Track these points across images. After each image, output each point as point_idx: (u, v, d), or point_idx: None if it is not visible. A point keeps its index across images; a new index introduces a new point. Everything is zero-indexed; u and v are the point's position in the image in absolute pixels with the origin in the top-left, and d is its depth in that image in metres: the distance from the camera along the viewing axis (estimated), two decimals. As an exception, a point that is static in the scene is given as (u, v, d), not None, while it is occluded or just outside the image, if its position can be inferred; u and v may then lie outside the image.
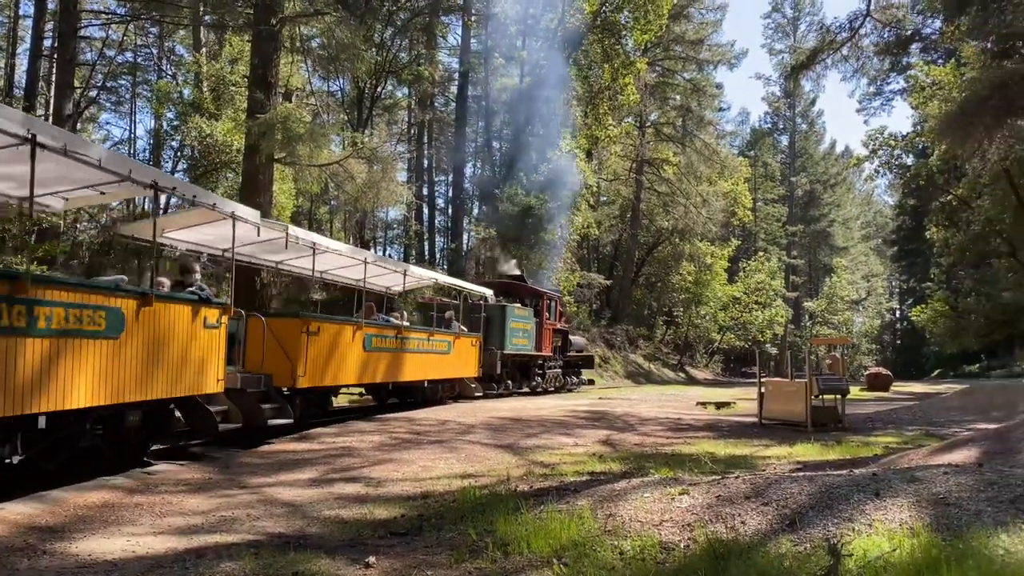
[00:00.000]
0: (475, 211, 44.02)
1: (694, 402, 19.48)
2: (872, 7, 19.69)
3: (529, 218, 28.33)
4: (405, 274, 14.95)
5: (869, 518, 4.39)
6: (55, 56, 24.55)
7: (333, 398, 13.65)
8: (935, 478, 4.99)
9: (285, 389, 10.40)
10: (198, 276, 8.94)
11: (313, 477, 7.43)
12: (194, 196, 8.20)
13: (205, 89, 25.02)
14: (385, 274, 14.59)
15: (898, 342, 75.84)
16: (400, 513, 5.88)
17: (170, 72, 31.20)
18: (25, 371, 5.78)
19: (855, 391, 24.94)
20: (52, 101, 24.91)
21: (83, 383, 6.39)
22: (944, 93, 27.88)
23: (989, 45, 19.03)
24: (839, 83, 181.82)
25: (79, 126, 30.40)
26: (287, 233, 10.34)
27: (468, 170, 44.50)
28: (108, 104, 37.51)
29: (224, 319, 8.72)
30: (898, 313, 78.60)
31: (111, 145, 37.96)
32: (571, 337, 26.52)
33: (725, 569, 3.90)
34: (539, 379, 22.94)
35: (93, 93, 30.98)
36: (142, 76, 34.64)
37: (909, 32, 26.48)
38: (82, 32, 26.86)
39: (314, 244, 11.13)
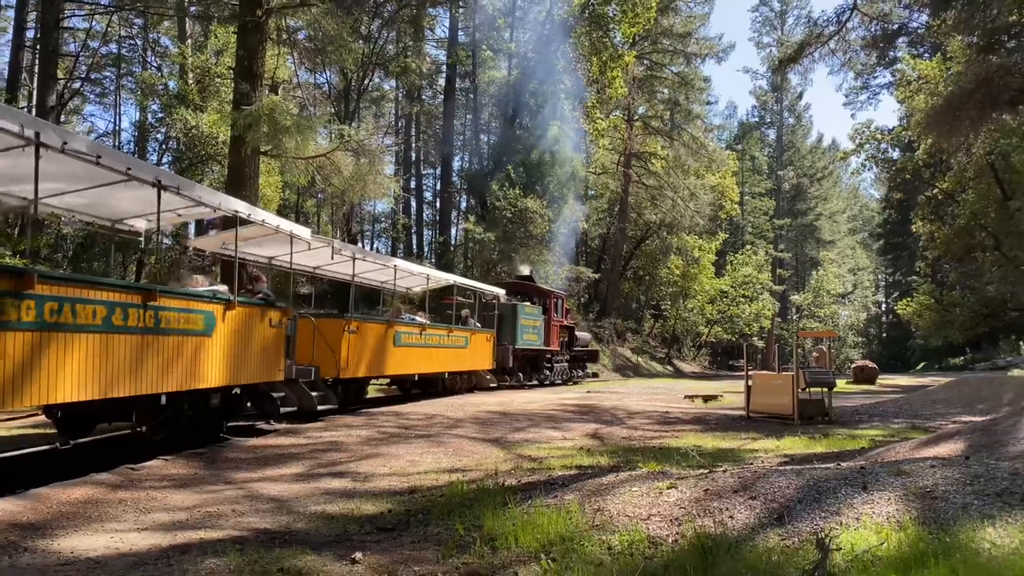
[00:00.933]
0: (463, 204, 43.95)
1: (682, 395, 19.52)
2: (859, 1, 19.74)
3: (520, 215, 28.32)
4: (428, 278, 17.01)
5: (857, 512, 4.39)
6: (38, 47, 24.26)
7: (367, 388, 15.33)
8: (922, 471, 4.99)
9: (329, 379, 12.04)
10: (265, 284, 10.92)
11: (300, 472, 7.38)
12: (251, 215, 9.45)
13: (190, 81, 24.82)
14: (408, 277, 16.38)
15: (884, 335, 76.36)
16: (387, 508, 5.85)
17: (155, 64, 30.92)
18: (154, 360, 7.59)
19: (842, 384, 25.07)
20: (35, 93, 24.62)
21: (193, 370, 8.25)
22: (930, 87, 27.98)
23: (975, 40, 19.09)
24: (826, 77, 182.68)
25: (63, 118, 30.09)
26: (332, 246, 12.39)
27: (456, 163, 44.42)
28: (92, 96, 37.15)
29: (284, 319, 10.43)
30: (884, 306, 79.13)
31: (96, 137, 37.65)
32: (576, 333, 28.04)
33: (713, 564, 3.89)
34: (548, 372, 24.52)
35: (77, 84, 30.63)
36: (127, 67, 34.32)
37: (896, 26, 26.60)
38: (65, 23, 26.55)
39: (353, 254, 13.13)
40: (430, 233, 48.70)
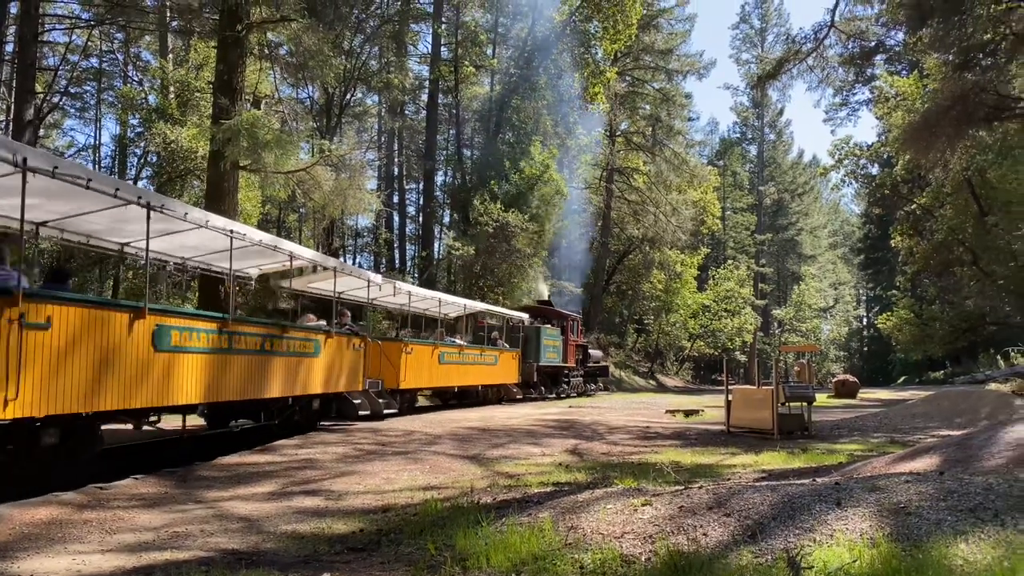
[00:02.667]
0: (446, 219, 43.89)
1: (663, 410, 19.50)
2: (836, 19, 19.96)
3: (501, 229, 28.34)
4: (465, 307, 20.60)
5: (830, 528, 4.36)
6: (16, 61, 24.07)
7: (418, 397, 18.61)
8: (896, 487, 4.97)
9: (390, 389, 15.37)
10: (348, 318, 14.42)
11: (272, 490, 7.27)
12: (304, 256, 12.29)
13: (171, 95, 24.68)
14: (448, 305, 19.84)
15: (865, 349, 76.80)
16: (359, 527, 5.76)
17: (136, 78, 30.75)
18: (291, 373, 11.06)
19: (823, 398, 25.17)
20: (12, 107, 24.39)
21: (306, 380, 11.59)
22: (907, 104, 28.31)
23: (950, 57, 19.31)
24: (805, 93, 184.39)
25: (41, 132, 29.83)
26: (395, 285, 16.17)
27: (439, 178, 44.41)
28: (72, 110, 36.85)
29: (361, 344, 13.78)
30: (865, 320, 79.63)
31: (74, 152, 37.40)
32: (590, 351, 31.26)
33: (685, 583, 3.85)
34: (565, 385, 27.53)
35: (56, 99, 30.39)
36: (107, 82, 34.10)
37: (873, 44, 26.89)
38: (45, 36, 26.38)
39: (409, 291, 17.01)
40: (413, 248, 48.62)
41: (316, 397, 12.29)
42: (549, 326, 25.88)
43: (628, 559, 4.31)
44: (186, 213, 8.64)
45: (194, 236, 9.72)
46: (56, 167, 6.84)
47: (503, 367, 21.76)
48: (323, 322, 12.98)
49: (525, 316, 23.97)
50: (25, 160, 6.44)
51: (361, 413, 13.59)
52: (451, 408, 18.95)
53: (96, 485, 7.09)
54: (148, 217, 8.03)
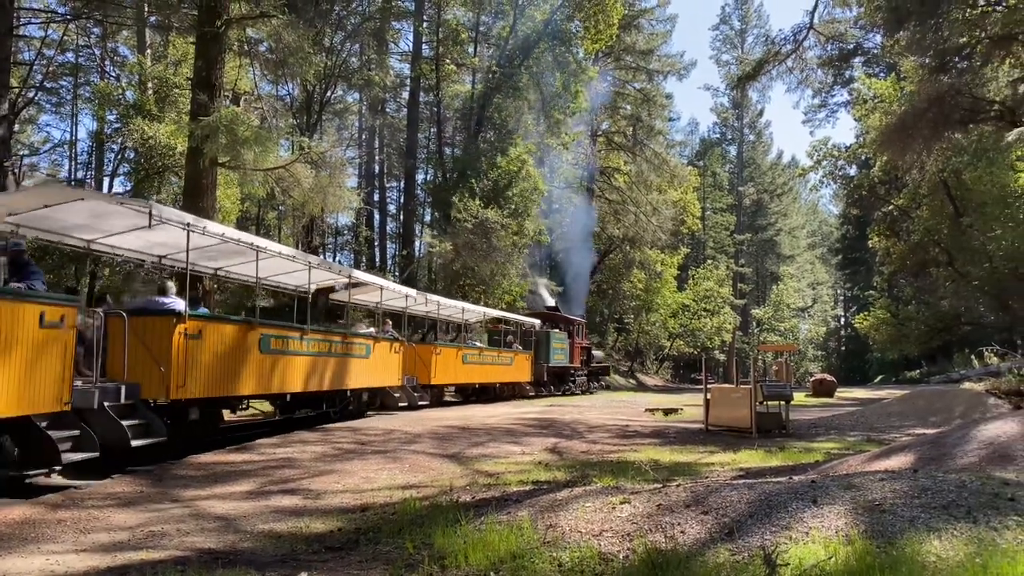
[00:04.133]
0: (427, 217, 43.80)
1: (643, 409, 19.57)
2: (816, 21, 20.12)
3: (482, 226, 28.33)
4: (484, 314, 23.36)
5: (806, 526, 4.40)
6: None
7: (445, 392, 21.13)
8: (871, 485, 5.03)
9: (423, 385, 17.83)
10: (390, 325, 16.99)
11: (250, 489, 7.22)
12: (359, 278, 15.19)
13: (149, 91, 24.42)
14: (470, 312, 22.41)
15: (843, 348, 77.47)
16: (337, 527, 5.73)
17: (113, 74, 30.37)
18: (344, 370, 13.48)
19: (801, 397, 25.36)
20: (-14, 101, 23.98)
21: (359, 377, 14.16)
22: (885, 106, 28.62)
23: (927, 60, 19.53)
24: (785, 94, 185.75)
25: (16, 127, 29.42)
26: (427, 297, 19.29)
27: (420, 176, 44.27)
28: (48, 105, 36.33)
29: (400, 347, 16.38)
30: (843, 320, 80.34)
31: (50, 147, 36.95)
32: (593, 352, 34.35)
33: (662, 580, 3.86)
34: (571, 384, 30.14)
35: (32, 94, 29.95)
36: (84, 77, 33.62)
37: (851, 46, 27.14)
38: (21, 31, 25.99)
39: (439, 301, 20.00)
40: (394, 246, 48.45)
41: (365, 391, 15.24)
42: (557, 330, 28.67)
43: (606, 557, 4.32)
44: (280, 251, 11.75)
45: (274, 262, 12.00)
46: (205, 227, 9.65)
47: (518, 367, 24.48)
48: (372, 329, 15.60)
49: (537, 322, 26.72)
50: (188, 223, 9.24)
51: (400, 404, 16.41)
52: (471, 403, 21.23)
53: (71, 484, 7.01)
54: (257, 256, 11.01)
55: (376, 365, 14.97)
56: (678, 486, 5.67)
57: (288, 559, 4.81)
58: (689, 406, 19.62)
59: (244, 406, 12.07)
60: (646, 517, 4.88)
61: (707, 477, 7.68)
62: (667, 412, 18.27)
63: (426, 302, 19.29)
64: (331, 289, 15.80)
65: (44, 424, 6.76)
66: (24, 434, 6.60)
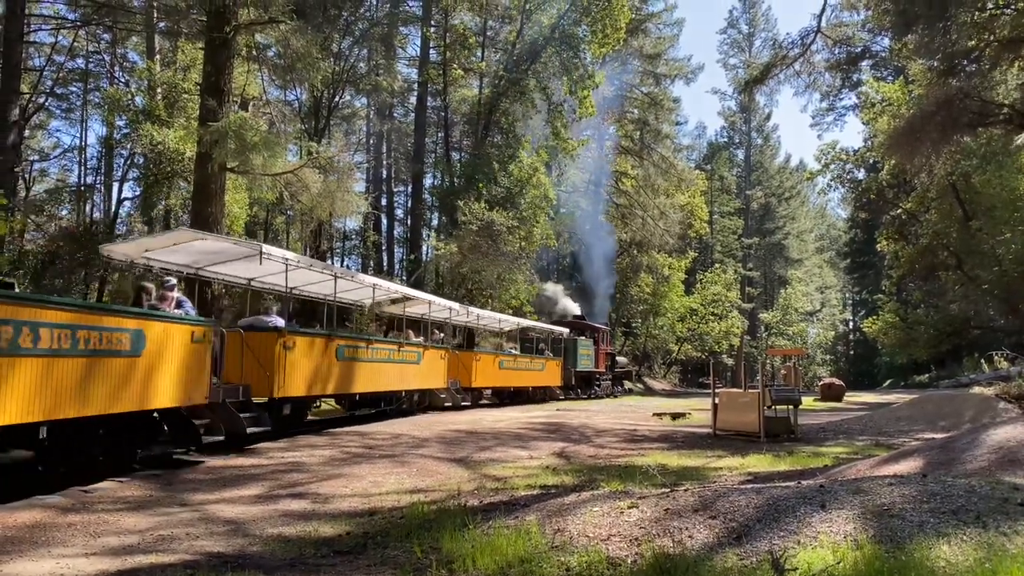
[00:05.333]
0: (434, 222, 43.84)
1: (650, 413, 19.55)
2: (823, 24, 20.10)
3: (488, 229, 28.35)
4: (519, 324, 24.93)
5: (815, 530, 4.39)
6: (1, 61, 23.86)
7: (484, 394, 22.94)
8: (880, 489, 5.02)
9: (464, 388, 20.06)
10: (441, 335, 20.06)
11: (258, 493, 7.24)
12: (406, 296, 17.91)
13: (158, 96, 24.54)
14: (506, 322, 24.53)
15: (851, 352, 77.13)
16: (346, 530, 5.74)
17: (122, 79, 30.54)
18: (401, 373, 15.77)
19: (809, 401, 25.28)
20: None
21: (412, 379, 16.56)
22: (893, 109, 28.49)
23: (935, 63, 19.47)
24: (792, 98, 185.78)
25: (27, 133, 29.62)
26: (468, 310, 21.54)
27: (427, 180, 44.35)
28: (58, 111, 36.51)
29: (446, 355, 18.60)
30: (851, 324, 79.99)
31: (60, 153, 37.15)
32: (617, 358, 36.85)
33: (670, 585, 3.86)
34: (597, 388, 31.89)
35: (42, 99, 30.13)
36: (93, 83, 33.82)
37: (859, 49, 27.09)
38: (31, 37, 26.16)
39: (478, 314, 22.53)
40: (401, 251, 48.50)
41: (417, 392, 17.58)
42: (583, 337, 30.48)
43: (614, 561, 4.32)
44: (353, 276, 15.10)
45: (342, 283, 14.11)
46: (299, 261, 12.23)
47: (549, 372, 26.45)
48: (421, 338, 17.45)
49: (565, 330, 28.38)
50: (287, 259, 11.61)
51: (446, 404, 18.77)
52: (505, 406, 22.66)
53: (79, 488, 7.05)
54: (335, 280, 13.75)
55: (426, 370, 17.18)
56: (686, 490, 5.66)
57: (297, 563, 4.82)
58: (697, 410, 19.59)
59: (317, 404, 14.47)
60: (654, 521, 4.87)
61: (715, 481, 7.68)
62: (675, 416, 18.24)
63: (467, 313, 21.49)
64: (387, 303, 18.10)
65: (187, 414, 8.89)
66: (175, 420, 8.71)
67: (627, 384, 38.16)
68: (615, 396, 33.31)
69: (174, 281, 10.12)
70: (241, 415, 9.69)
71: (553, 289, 38.41)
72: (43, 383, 6.44)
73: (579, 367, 29.26)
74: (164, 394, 8.18)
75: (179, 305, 9.49)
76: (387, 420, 15.24)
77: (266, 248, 10.80)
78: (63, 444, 7.14)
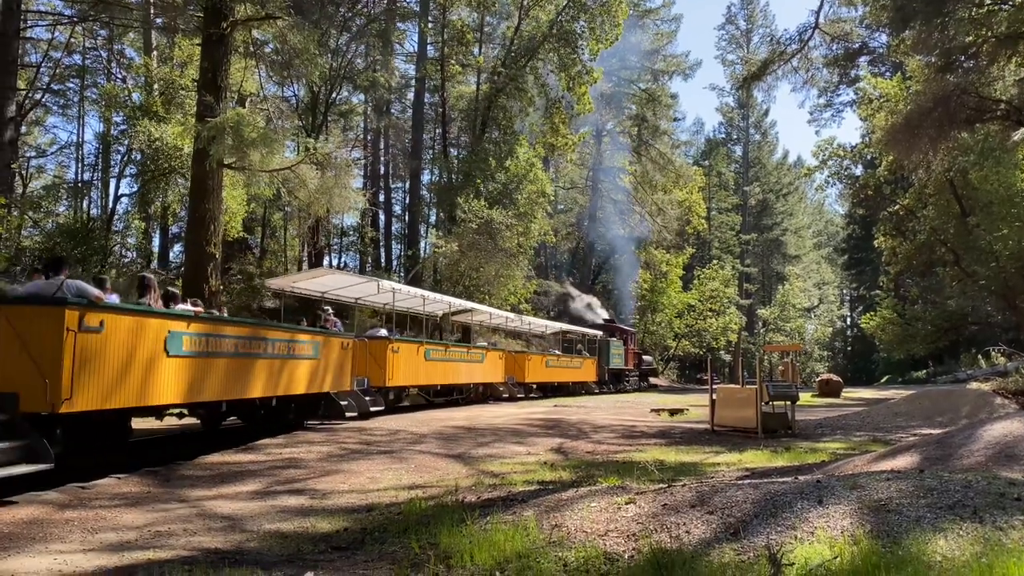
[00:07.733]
0: (432, 218, 43.82)
1: (648, 409, 19.56)
2: (821, 20, 20.10)
3: (487, 226, 28.37)
4: (561, 328, 30.25)
5: (812, 526, 4.40)
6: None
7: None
8: (877, 484, 5.02)
9: (518, 382, 24.18)
10: (484, 343, 23.63)
11: (256, 489, 7.24)
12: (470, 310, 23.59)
13: (155, 92, 24.48)
14: (546, 327, 30.15)
15: (849, 348, 77.19)
16: (343, 526, 5.75)
17: (119, 75, 30.46)
18: (463, 370, 19.93)
19: (807, 397, 25.31)
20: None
21: (476, 374, 20.96)
22: (891, 105, 28.45)
23: (933, 59, 19.48)
24: (790, 94, 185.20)
25: (23, 129, 29.51)
26: (521, 318, 27.03)
27: (425, 176, 44.34)
28: (55, 107, 36.38)
29: (504, 355, 22.98)
30: (849, 320, 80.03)
31: (56, 149, 37.05)
32: (643, 357, 41.12)
33: (667, 580, 3.87)
34: (626, 384, 36.27)
35: (39, 96, 30.03)
36: (90, 79, 33.72)
37: (857, 45, 27.07)
38: (27, 33, 26.06)
39: (530, 322, 28.60)
40: (399, 247, 48.49)
41: (481, 385, 21.60)
42: (614, 339, 34.89)
43: (611, 557, 4.33)
44: (430, 296, 19.61)
45: (417, 300, 19.00)
46: (401, 289, 17.47)
47: (585, 369, 30.53)
48: (484, 342, 21.37)
49: (600, 333, 33.02)
50: (393, 288, 16.89)
51: (503, 396, 22.85)
52: (548, 397, 25.88)
53: (77, 484, 7.05)
54: (424, 302, 19.51)
55: (488, 368, 21.42)
56: (683, 486, 5.67)
57: (294, 559, 4.83)
58: (695, 406, 19.60)
59: (406, 393, 17.79)
60: (651, 517, 4.88)
61: (712, 477, 7.68)
62: (672, 412, 18.26)
63: (520, 321, 26.68)
64: (454, 313, 22.28)
65: (334, 396, 12.83)
66: (327, 399, 12.75)
67: (652, 380, 42.11)
68: (641, 390, 37.32)
69: (331, 309, 14.78)
70: (367, 398, 13.90)
71: (588, 300, 44.01)
72: (272, 372, 10.27)
73: (611, 365, 33.50)
74: (327, 383, 12.27)
75: (335, 325, 14.38)
76: (458, 407, 18.70)
77: (381, 281, 16.77)
78: (272, 412, 11.24)
